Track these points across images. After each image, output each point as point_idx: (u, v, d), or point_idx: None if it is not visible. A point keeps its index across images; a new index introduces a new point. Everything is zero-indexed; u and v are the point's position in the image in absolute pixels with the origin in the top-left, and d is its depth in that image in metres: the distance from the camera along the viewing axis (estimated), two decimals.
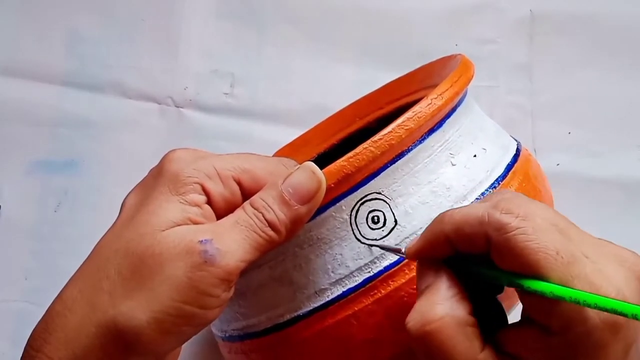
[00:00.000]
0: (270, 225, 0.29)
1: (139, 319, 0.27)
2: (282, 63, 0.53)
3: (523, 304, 0.26)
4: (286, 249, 0.32)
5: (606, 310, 0.23)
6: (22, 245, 0.49)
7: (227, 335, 0.36)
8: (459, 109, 0.35)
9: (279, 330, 0.32)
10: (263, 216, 0.29)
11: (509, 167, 0.34)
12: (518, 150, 0.37)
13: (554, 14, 0.53)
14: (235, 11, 0.53)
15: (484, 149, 0.34)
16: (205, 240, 0.28)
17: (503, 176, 0.34)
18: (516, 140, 0.38)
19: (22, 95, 0.51)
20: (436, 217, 0.28)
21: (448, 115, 0.34)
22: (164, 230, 0.29)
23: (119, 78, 0.52)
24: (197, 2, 0.53)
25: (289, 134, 0.49)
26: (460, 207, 0.28)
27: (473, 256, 0.27)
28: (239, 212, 0.30)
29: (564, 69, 0.52)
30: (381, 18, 0.53)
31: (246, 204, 0.30)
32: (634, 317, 0.22)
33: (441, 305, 0.26)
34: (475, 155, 0.34)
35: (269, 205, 0.30)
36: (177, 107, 0.52)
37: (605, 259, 0.25)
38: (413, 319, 0.26)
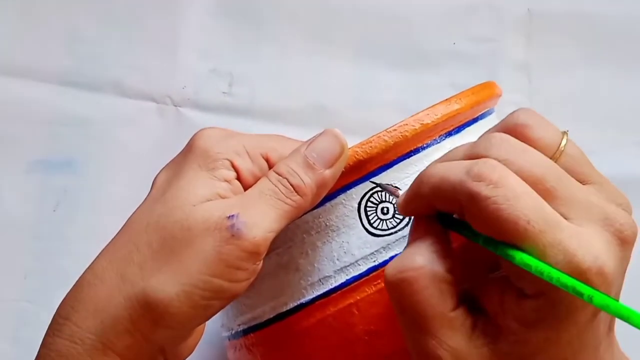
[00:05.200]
0: (297, 190, 0.30)
1: (168, 292, 0.28)
2: (281, 62, 0.53)
3: (500, 264, 0.25)
4: (295, 235, 0.32)
5: (566, 288, 0.22)
6: (21, 244, 0.49)
7: (233, 332, 0.36)
8: (481, 122, 0.35)
9: (281, 319, 0.32)
10: (288, 181, 0.30)
11: None
12: None
13: (552, 12, 0.53)
14: (234, 10, 0.53)
15: None
16: (232, 215, 0.28)
17: None
18: None
19: (20, 95, 0.51)
20: (419, 174, 0.27)
21: (468, 124, 0.34)
22: (194, 205, 0.29)
23: (118, 77, 0.52)
24: (196, 1, 0.53)
25: (288, 133, 0.49)
26: (441, 163, 0.27)
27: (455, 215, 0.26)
28: (263, 181, 0.30)
29: (562, 67, 0.52)
30: (379, 17, 0.53)
31: (270, 171, 0.30)
32: (589, 300, 0.22)
33: (421, 257, 0.26)
34: None
35: (293, 170, 0.30)
36: (176, 106, 0.52)
37: (590, 220, 0.24)
38: (391, 266, 0.26)
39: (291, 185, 0.30)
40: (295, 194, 0.30)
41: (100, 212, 0.50)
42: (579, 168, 0.26)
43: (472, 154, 0.26)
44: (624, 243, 0.24)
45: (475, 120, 0.34)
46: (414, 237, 0.27)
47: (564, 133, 0.27)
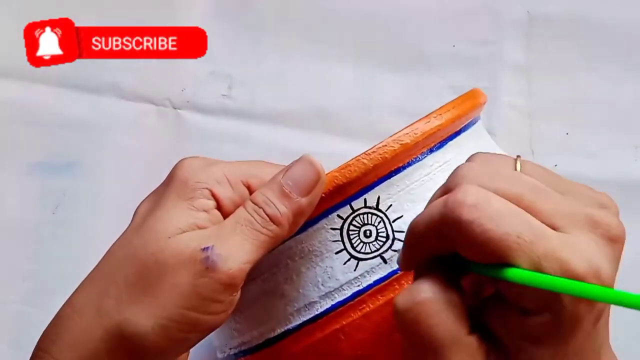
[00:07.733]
0: (272, 219, 0.30)
1: (144, 326, 0.28)
2: (280, 64, 0.53)
3: (498, 288, 0.25)
4: (279, 260, 0.32)
5: (571, 292, 0.22)
6: (21, 246, 0.49)
7: (225, 355, 0.35)
8: (464, 134, 0.34)
9: (269, 345, 0.32)
10: (264, 211, 0.30)
11: None
12: None
13: (551, 15, 0.53)
14: (233, 13, 0.53)
15: None
16: (207, 247, 0.28)
17: None
18: None
19: (19, 97, 0.51)
20: (407, 230, 0.27)
21: (450, 138, 0.33)
22: (169, 238, 0.29)
23: (117, 80, 0.52)
24: (195, 3, 0.53)
25: (287, 136, 0.49)
26: (422, 212, 0.26)
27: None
28: (239, 211, 0.30)
29: (562, 71, 0.52)
30: (379, 19, 0.53)
31: (247, 201, 0.30)
32: (604, 301, 0.21)
33: (429, 285, 0.25)
34: None
35: (269, 200, 0.30)
36: (175, 108, 0.52)
37: (576, 226, 0.24)
38: (401, 296, 0.25)
39: (267, 215, 0.29)
40: (272, 223, 0.29)
41: (99, 214, 0.50)
42: (552, 185, 0.26)
43: (446, 189, 0.26)
44: (614, 242, 0.24)
45: (457, 133, 0.33)
46: (416, 277, 0.26)
47: (516, 159, 0.27)
